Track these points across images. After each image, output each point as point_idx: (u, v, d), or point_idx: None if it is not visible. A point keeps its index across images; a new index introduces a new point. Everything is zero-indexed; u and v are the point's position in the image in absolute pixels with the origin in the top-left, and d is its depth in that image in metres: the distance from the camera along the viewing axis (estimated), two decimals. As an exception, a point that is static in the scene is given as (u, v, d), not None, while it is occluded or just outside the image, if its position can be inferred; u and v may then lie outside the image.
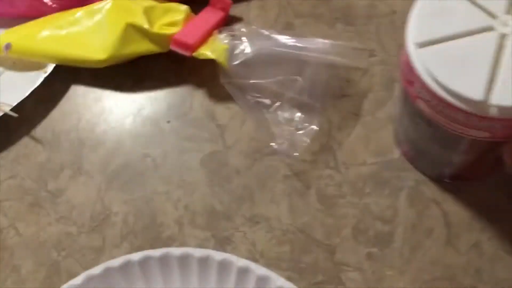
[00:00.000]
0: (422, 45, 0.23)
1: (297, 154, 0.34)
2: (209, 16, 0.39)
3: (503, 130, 0.23)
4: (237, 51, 0.36)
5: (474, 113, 0.22)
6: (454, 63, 0.23)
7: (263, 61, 0.36)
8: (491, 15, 0.23)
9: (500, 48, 0.23)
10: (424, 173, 0.33)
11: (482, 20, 0.23)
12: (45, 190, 0.37)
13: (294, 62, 0.36)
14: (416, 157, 0.33)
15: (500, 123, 0.23)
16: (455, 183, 0.32)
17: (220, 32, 0.37)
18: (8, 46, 0.39)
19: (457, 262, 0.31)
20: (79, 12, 0.39)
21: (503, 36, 0.23)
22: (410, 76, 0.25)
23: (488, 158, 0.29)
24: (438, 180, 0.33)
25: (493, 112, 0.22)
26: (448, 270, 0.31)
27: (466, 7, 0.24)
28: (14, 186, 0.37)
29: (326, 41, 0.36)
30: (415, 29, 0.24)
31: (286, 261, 0.33)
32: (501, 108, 0.22)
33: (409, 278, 0.31)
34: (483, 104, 0.22)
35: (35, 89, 0.38)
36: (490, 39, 0.23)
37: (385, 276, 0.31)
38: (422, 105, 0.25)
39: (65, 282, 0.32)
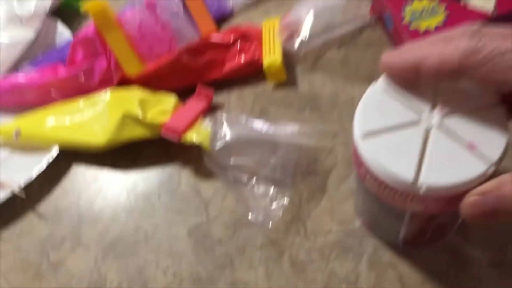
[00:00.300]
0: (365, 136, 0.28)
1: (271, 224, 0.39)
2: (195, 104, 0.45)
3: (435, 205, 0.28)
4: (218, 136, 0.41)
5: (409, 192, 0.27)
6: (390, 151, 0.27)
7: (241, 144, 0.41)
8: (419, 111, 0.28)
9: (425, 139, 0.28)
10: (381, 240, 0.38)
11: (412, 116, 0.28)
12: (47, 261, 0.41)
13: (268, 144, 0.41)
14: (373, 226, 0.38)
15: (430, 200, 0.27)
16: (408, 248, 0.37)
17: (204, 118, 0.43)
18: (18, 133, 0.45)
19: (413, 319, 0.35)
20: (81, 102, 0.45)
21: (427, 130, 0.28)
22: (358, 160, 0.30)
23: (431, 227, 0.34)
24: (393, 245, 0.38)
25: (423, 190, 0.27)
26: (406, 326, 0.35)
27: (399, 105, 0.29)
28: (19, 259, 0.41)
29: (295, 125, 0.42)
30: (359, 123, 0.29)
31: (263, 322, 0.37)
32: (428, 188, 0.26)
33: (372, 335, 0.35)
34: (414, 184, 0.26)
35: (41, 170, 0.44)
36: (418, 131, 0.28)
37: (351, 334, 0.35)
38: (369, 184, 0.30)
39: None
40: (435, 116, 0.28)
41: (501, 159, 0.26)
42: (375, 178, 0.28)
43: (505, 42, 0.22)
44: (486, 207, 0.24)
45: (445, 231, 0.36)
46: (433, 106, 0.29)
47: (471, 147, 0.26)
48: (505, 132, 0.26)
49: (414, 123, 0.28)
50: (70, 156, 0.46)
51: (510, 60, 0.22)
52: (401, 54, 0.27)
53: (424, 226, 0.33)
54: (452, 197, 0.27)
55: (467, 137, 0.26)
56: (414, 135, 0.28)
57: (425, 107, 0.28)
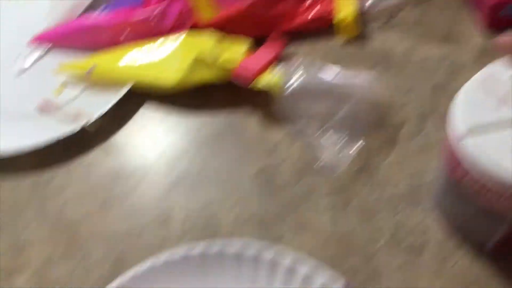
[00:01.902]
0: (467, 134, 0.24)
1: (338, 173, 0.39)
2: (267, 51, 0.45)
3: None
4: (290, 82, 0.41)
5: None
6: (497, 151, 0.24)
7: (312, 92, 0.41)
8: None
9: None
10: (469, 242, 0.35)
11: None
12: (115, 192, 0.42)
13: (339, 93, 0.41)
14: (462, 229, 0.35)
15: None
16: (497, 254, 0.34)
17: (275, 65, 0.43)
18: (91, 69, 0.46)
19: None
20: (156, 43, 0.46)
21: None
22: (453, 160, 0.26)
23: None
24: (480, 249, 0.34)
25: None
26: None
27: (505, 99, 0.25)
28: (87, 188, 0.42)
29: (368, 76, 0.41)
30: (459, 120, 0.25)
31: (329, 263, 0.36)
32: None
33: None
34: None
35: (111, 106, 0.44)
36: None
37: (417, 283, 0.35)
38: (467, 186, 0.26)
39: None
40: None
41: None
42: (476, 180, 0.25)
43: None
44: None
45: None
46: None
47: None
48: None
49: None
50: (140, 95, 0.46)
51: None
52: None
53: None
54: None
55: None
56: None
57: None
